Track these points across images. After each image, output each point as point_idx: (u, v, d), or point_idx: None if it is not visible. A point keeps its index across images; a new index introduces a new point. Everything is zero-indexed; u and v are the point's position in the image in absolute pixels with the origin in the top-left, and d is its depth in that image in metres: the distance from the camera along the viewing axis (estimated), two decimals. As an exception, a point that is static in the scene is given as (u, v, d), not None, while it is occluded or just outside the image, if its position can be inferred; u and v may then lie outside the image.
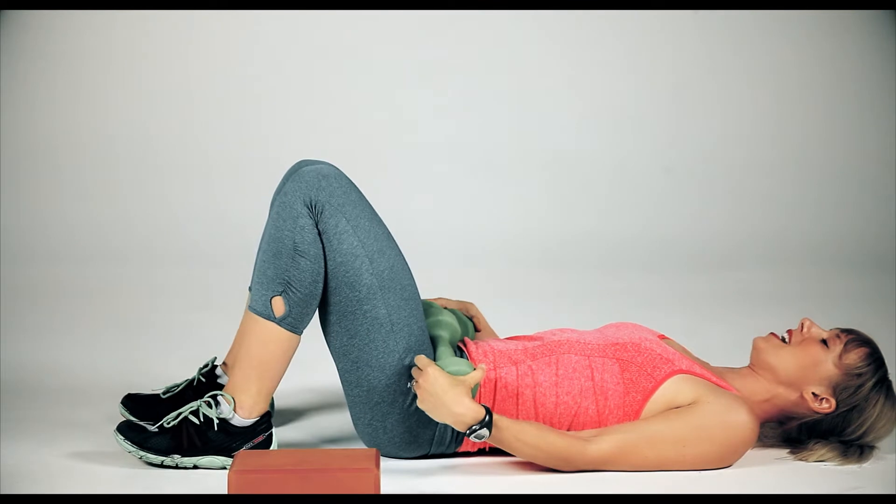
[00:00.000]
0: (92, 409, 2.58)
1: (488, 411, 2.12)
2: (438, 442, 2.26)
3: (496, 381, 2.25)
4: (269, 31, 4.47)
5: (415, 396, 2.20)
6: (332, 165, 2.30)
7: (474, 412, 2.11)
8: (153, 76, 4.45)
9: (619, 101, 4.60)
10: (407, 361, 2.22)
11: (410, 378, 2.20)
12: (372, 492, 1.97)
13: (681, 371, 2.23)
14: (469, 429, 2.11)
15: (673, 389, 2.21)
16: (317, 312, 2.25)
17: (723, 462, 2.20)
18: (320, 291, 2.21)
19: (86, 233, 4.20)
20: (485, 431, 2.11)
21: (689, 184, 4.53)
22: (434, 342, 2.29)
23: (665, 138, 4.59)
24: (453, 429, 2.22)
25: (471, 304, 2.55)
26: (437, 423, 2.22)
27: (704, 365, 2.32)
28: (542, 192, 4.49)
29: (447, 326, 2.33)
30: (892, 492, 2.13)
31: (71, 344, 3.21)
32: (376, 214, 2.26)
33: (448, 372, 2.14)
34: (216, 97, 4.44)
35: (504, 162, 4.52)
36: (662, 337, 2.39)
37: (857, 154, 4.59)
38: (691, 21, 4.54)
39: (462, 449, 2.28)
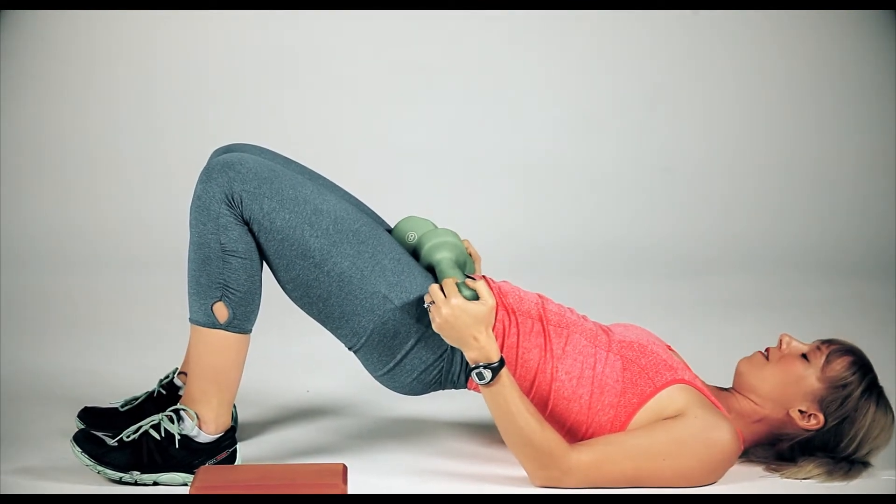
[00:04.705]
0: (46, 422, 2.49)
1: (502, 361, 2.11)
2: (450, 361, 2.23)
3: (518, 330, 2.21)
4: (268, 33, 4.45)
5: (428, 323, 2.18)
6: (236, 151, 2.28)
7: (488, 352, 2.10)
8: (141, 79, 4.42)
9: (599, 105, 4.57)
10: (393, 295, 2.17)
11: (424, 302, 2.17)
12: (340, 509, 1.91)
13: (682, 381, 2.19)
14: (476, 364, 2.10)
15: (667, 398, 2.16)
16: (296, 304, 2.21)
17: (702, 480, 2.15)
18: (259, 285, 2.17)
19: (62, 238, 4.13)
20: (488, 373, 2.09)
21: (671, 189, 4.50)
22: (439, 264, 2.24)
23: (648, 143, 4.57)
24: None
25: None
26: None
27: (704, 383, 2.28)
28: (520, 198, 4.46)
29: (452, 247, 2.27)
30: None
31: (36, 353, 3.09)
32: (297, 175, 2.21)
33: (462, 296, 2.12)
34: (215, 99, 4.41)
35: (480, 167, 4.48)
36: (668, 348, 2.35)
37: (845, 160, 4.59)
38: (678, 22, 4.51)
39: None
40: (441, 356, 2.22)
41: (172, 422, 2.16)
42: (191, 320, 2.17)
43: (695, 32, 4.56)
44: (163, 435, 2.15)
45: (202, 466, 2.06)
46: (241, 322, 2.16)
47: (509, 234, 4.24)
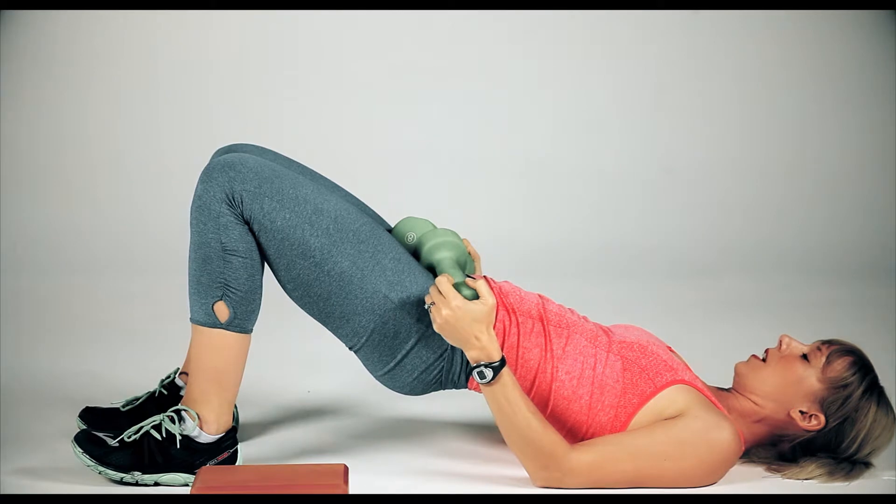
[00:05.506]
0: (47, 422, 2.49)
1: (503, 360, 2.11)
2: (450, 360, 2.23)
3: (519, 330, 2.21)
4: (268, 33, 4.45)
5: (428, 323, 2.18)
6: (238, 151, 2.28)
7: (489, 351, 2.10)
8: (141, 79, 4.41)
9: (599, 105, 4.57)
10: (393, 295, 2.17)
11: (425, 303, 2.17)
12: (341, 510, 1.91)
13: (683, 381, 2.19)
14: (477, 363, 2.10)
15: (667, 399, 2.16)
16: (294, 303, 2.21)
17: (703, 480, 2.15)
18: (260, 285, 2.17)
19: (62, 239, 4.12)
20: (489, 372, 2.09)
21: (672, 190, 4.50)
22: (440, 264, 2.24)
23: (649, 143, 4.56)
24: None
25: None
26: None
27: (704, 383, 2.27)
28: (520, 198, 4.45)
29: (452, 247, 2.28)
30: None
31: (37, 353, 3.09)
32: (298, 175, 2.21)
33: (462, 295, 2.12)
34: (215, 99, 4.41)
35: (480, 167, 4.47)
36: (669, 348, 2.35)
37: (845, 160, 4.58)
38: (678, 22, 4.51)
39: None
40: (441, 356, 2.22)
41: (173, 422, 2.16)
42: (192, 320, 2.17)
43: (695, 32, 4.56)
44: (164, 435, 2.14)
45: (203, 467, 2.06)
46: (242, 321, 2.16)
47: (509, 234, 4.23)
